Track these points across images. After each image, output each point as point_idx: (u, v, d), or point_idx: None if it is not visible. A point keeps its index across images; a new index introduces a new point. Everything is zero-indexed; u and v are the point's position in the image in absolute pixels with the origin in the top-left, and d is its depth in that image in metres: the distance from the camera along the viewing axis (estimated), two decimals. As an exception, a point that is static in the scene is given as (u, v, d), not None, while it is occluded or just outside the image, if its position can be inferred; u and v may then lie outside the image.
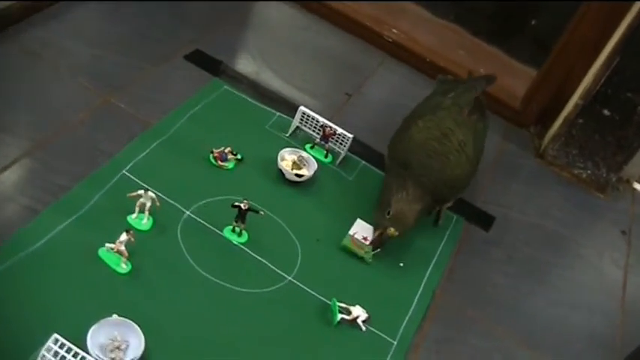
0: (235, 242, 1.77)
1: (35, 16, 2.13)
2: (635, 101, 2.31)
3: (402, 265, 1.89)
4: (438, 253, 1.98)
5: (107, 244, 1.60)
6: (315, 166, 1.99)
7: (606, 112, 2.35)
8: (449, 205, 2.06)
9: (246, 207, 1.74)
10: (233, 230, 1.78)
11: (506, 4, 2.82)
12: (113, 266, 1.60)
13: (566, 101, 2.47)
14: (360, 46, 2.66)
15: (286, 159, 1.99)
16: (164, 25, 2.34)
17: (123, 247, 1.59)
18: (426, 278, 1.89)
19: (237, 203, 1.75)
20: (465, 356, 1.77)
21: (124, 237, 1.59)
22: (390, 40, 2.67)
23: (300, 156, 2.00)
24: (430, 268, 1.92)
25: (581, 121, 2.40)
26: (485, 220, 2.16)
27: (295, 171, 1.96)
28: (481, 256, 2.04)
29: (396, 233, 1.79)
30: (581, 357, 1.89)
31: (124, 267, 1.60)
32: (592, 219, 2.41)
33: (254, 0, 2.65)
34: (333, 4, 2.69)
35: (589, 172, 2.48)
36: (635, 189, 2.59)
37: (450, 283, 1.91)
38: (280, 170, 1.96)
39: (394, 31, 2.69)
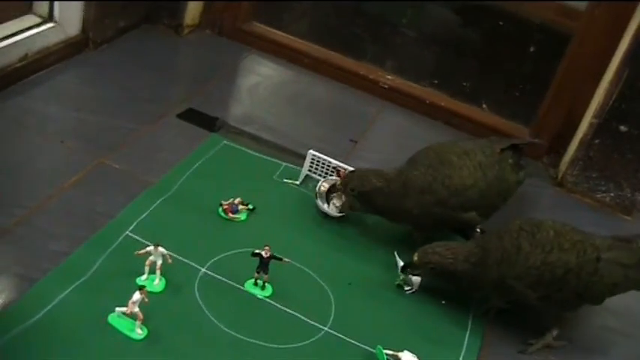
0: (260, 296, 1.59)
1: (14, 86, 2.00)
2: (652, 113, 2.20)
3: (444, 302, 1.71)
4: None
5: (118, 308, 1.42)
6: None
7: (623, 127, 2.23)
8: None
9: (268, 254, 1.57)
10: (255, 283, 1.60)
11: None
12: (127, 332, 1.42)
13: (578, 123, 2.36)
14: (356, 95, 2.55)
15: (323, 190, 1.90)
16: (152, 86, 2.22)
17: (137, 309, 1.41)
18: (471, 314, 1.71)
19: (257, 251, 1.57)
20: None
21: (137, 296, 1.41)
22: (386, 86, 2.56)
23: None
24: (473, 305, 1.74)
25: (597, 141, 2.28)
26: (518, 252, 2.00)
27: (336, 213, 1.86)
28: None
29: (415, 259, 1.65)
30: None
31: (139, 332, 1.42)
32: (625, 243, 2.26)
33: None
34: (318, 56, 2.59)
35: (612, 194, 2.34)
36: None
37: (497, 320, 1.73)
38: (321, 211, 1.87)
39: (389, 77, 2.58)
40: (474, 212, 1.81)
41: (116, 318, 1.43)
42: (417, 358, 1.51)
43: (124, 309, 1.41)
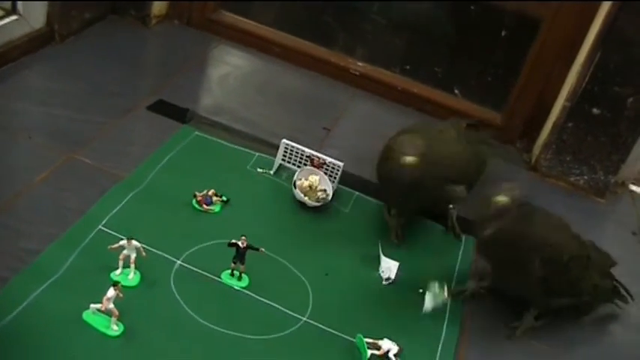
0: (237, 287, 1.56)
1: (-24, 82, 1.95)
2: (624, 95, 2.20)
3: (421, 291, 1.70)
4: (456, 273, 1.80)
5: (92, 305, 1.39)
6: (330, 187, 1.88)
7: (595, 110, 2.24)
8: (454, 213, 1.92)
9: (245, 244, 1.55)
10: (232, 274, 1.58)
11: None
12: (102, 329, 1.39)
13: (551, 107, 2.37)
14: (327, 82, 2.53)
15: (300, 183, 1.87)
16: (120, 79, 2.18)
17: (112, 305, 1.38)
18: (449, 304, 1.70)
19: (234, 241, 1.55)
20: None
21: (111, 292, 1.38)
22: (357, 73, 2.55)
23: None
24: (452, 289, 1.73)
25: (570, 124, 2.28)
26: (494, 237, 1.99)
27: (314, 202, 1.84)
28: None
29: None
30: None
31: (115, 328, 1.39)
32: (599, 225, 2.28)
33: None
34: (288, 44, 2.57)
35: (585, 177, 2.35)
36: (632, 190, 2.47)
37: (475, 303, 1.72)
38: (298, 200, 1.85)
39: (360, 64, 2.56)
40: (463, 186, 1.82)
41: (91, 315, 1.39)
42: (397, 345, 1.50)
43: (98, 306, 1.38)
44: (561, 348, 1.70)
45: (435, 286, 1.69)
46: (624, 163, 2.31)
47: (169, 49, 2.48)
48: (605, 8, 2.17)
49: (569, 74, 2.29)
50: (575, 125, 2.28)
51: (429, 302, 1.66)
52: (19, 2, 2.09)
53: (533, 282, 1.62)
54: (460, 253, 1.89)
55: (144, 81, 2.23)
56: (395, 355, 1.49)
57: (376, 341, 1.50)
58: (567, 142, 2.31)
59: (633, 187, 2.48)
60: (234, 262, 1.56)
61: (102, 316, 1.39)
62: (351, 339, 1.52)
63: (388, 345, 1.50)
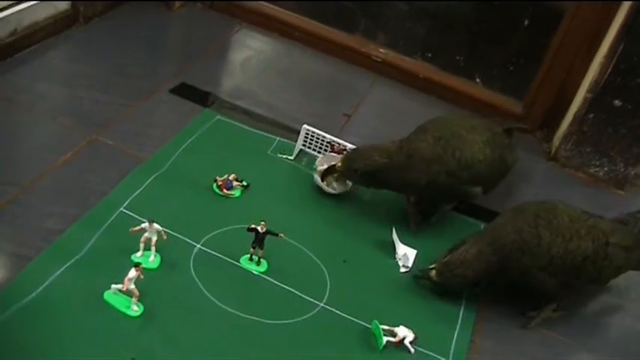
0: (256, 272, 1.58)
1: (3, 62, 1.97)
2: (647, 86, 2.19)
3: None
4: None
5: (113, 286, 1.41)
6: None
7: (617, 102, 2.23)
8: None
9: (264, 230, 1.57)
10: (251, 259, 1.60)
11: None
12: (123, 309, 1.41)
13: (572, 98, 2.36)
14: (348, 68, 2.53)
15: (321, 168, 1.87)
16: (143, 61, 2.19)
17: (133, 286, 1.40)
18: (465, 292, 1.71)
19: (253, 226, 1.57)
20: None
21: (132, 273, 1.40)
22: (379, 60, 2.55)
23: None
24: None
25: (591, 115, 2.27)
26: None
27: (331, 190, 1.86)
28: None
29: (435, 279, 1.63)
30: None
31: (135, 309, 1.41)
32: (618, 217, 2.26)
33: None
34: (309, 29, 2.57)
35: (605, 169, 2.34)
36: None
37: (490, 291, 1.73)
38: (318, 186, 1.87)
39: (382, 50, 2.56)
40: (480, 187, 1.83)
41: (112, 295, 1.42)
42: (413, 332, 1.52)
43: (119, 286, 1.40)
44: (576, 338, 1.70)
45: None
46: (645, 155, 2.31)
47: (192, 32, 2.49)
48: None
49: (592, 65, 2.28)
50: (596, 116, 2.27)
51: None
52: (44, -16, 2.11)
53: (550, 288, 1.63)
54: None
55: (167, 64, 2.25)
56: (410, 343, 1.51)
57: (392, 328, 1.52)
58: (588, 133, 2.30)
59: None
60: (253, 247, 1.58)
61: (123, 297, 1.41)
62: (368, 325, 1.53)
63: (404, 332, 1.51)
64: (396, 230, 1.77)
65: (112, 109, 1.93)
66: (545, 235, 1.59)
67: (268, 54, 2.50)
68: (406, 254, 1.73)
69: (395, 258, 1.74)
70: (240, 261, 1.59)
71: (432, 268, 1.63)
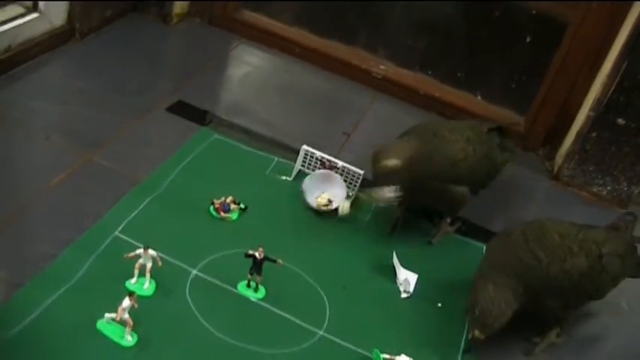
0: (253, 298, 1.54)
1: (-4, 80, 1.94)
2: (651, 105, 2.16)
3: (440, 305, 1.68)
4: (475, 286, 1.77)
5: (107, 315, 1.38)
6: (342, 193, 1.86)
7: (621, 120, 2.20)
8: (449, 226, 1.90)
9: (262, 256, 1.53)
10: (248, 285, 1.56)
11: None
12: (116, 339, 1.37)
13: (574, 116, 2.33)
14: (348, 85, 2.50)
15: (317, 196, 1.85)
16: (140, 77, 2.16)
17: (127, 315, 1.36)
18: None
19: (251, 252, 1.53)
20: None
21: (126, 302, 1.36)
22: (379, 76, 2.51)
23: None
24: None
25: (594, 134, 2.24)
26: (514, 249, 1.96)
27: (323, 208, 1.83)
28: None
29: (482, 337, 1.53)
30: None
31: (129, 339, 1.37)
32: (622, 237, 2.23)
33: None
34: (309, 45, 2.54)
35: (609, 187, 2.31)
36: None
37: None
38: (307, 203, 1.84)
39: (382, 67, 2.53)
40: (466, 187, 1.80)
41: (105, 324, 1.38)
42: None
43: (113, 315, 1.37)
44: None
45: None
46: (648, 174, 2.28)
47: (190, 48, 2.46)
48: (632, 16, 2.13)
49: (594, 83, 2.25)
50: (599, 135, 2.24)
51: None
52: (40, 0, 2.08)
53: (557, 311, 1.59)
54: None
55: (164, 80, 2.22)
56: None
57: (393, 357, 1.48)
58: (591, 151, 2.27)
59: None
60: (251, 274, 1.54)
61: (116, 326, 1.38)
62: (368, 354, 1.49)
63: None
64: (396, 254, 1.74)
65: (108, 128, 1.90)
66: (542, 256, 1.54)
67: (267, 70, 2.47)
68: (407, 279, 1.69)
69: (396, 283, 1.70)
70: (238, 287, 1.55)
71: (472, 332, 1.53)
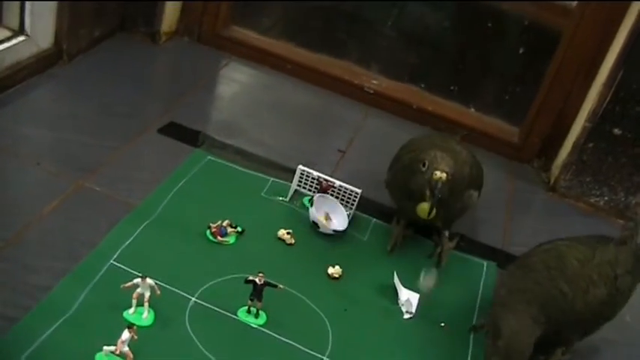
0: (254, 325, 1.51)
1: (-17, 106, 1.90)
2: (646, 114, 2.15)
3: (443, 325, 1.65)
4: (478, 304, 1.74)
5: (105, 348, 1.33)
6: (344, 222, 1.82)
7: (617, 131, 2.18)
8: (451, 245, 1.87)
9: (262, 281, 1.50)
10: (249, 311, 1.52)
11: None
12: (116, 374, 1.33)
13: (570, 126, 2.31)
14: (341, 101, 2.48)
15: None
16: (130, 99, 2.12)
17: (126, 348, 1.33)
18: (472, 335, 1.64)
19: (251, 278, 1.50)
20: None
21: (125, 335, 1.32)
22: (372, 91, 2.49)
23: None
24: (474, 322, 1.68)
25: (591, 144, 2.22)
26: (515, 264, 1.94)
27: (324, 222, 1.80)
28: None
29: None
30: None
31: (130, 372, 1.33)
32: (621, 248, 2.21)
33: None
34: (300, 61, 2.51)
35: (606, 198, 2.29)
36: (653, 211, 2.42)
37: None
38: (314, 222, 1.80)
39: (374, 82, 2.51)
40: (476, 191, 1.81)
41: (104, 357, 1.34)
42: None
43: (112, 348, 1.33)
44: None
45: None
46: (646, 184, 2.26)
47: (179, 67, 2.43)
48: (628, 23, 2.12)
49: (590, 93, 2.24)
50: (596, 145, 2.22)
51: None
52: (26, 21, 2.04)
53: (574, 341, 1.57)
54: (482, 281, 1.83)
55: (154, 101, 2.18)
56: None
57: None
58: (587, 162, 2.26)
59: (654, 208, 2.42)
60: (251, 299, 1.51)
61: (115, 359, 1.34)
62: None
63: None
64: (397, 274, 1.71)
65: (99, 153, 1.86)
66: (566, 289, 1.51)
67: (258, 88, 2.44)
68: (409, 299, 1.66)
69: (397, 303, 1.67)
70: (238, 314, 1.52)
71: None
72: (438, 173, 1.62)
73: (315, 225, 1.79)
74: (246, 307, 1.52)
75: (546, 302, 1.50)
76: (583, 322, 1.56)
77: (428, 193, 1.65)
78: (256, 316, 1.52)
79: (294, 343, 1.49)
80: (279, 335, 1.50)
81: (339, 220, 1.82)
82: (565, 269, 1.53)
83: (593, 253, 1.59)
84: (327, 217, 1.82)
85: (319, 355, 1.48)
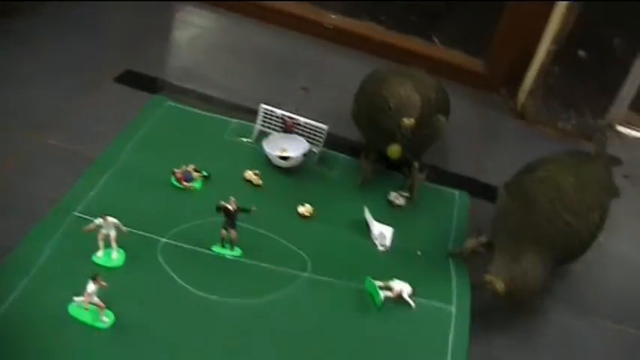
0: (230, 256, 1.48)
1: None
2: (610, 35, 2.12)
3: (420, 253, 1.64)
4: (453, 232, 1.74)
5: (76, 298, 1.29)
6: (305, 146, 1.77)
7: (582, 53, 2.16)
8: (422, 176, 1.84)
9: (236, 207, 1.47)
10: (223, 245, 1.49)
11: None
12: (91, 322, 1.29)
13: (535, 52, 2.28)
14: (301, 39, 2.42)
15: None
16: (82, 51, 2.05)
17: (96, 299, 1.29)
18: (451, 260, 1.64)
19: (223, 203, 1.47)
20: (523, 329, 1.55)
21: (91, 287, 1.28)
22: (331, 27, 2.44)
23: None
24: (450, 249, 1.67)
25: (557, 68, 2.20)
26: (488, 192, 1.93)
27: (279, 153, 1.74)
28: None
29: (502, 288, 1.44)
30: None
31: (104, 320, 1.29)
32: (591, 170, 2.21)
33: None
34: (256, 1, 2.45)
35: (573, 122, 2.29)
36: (620, 132, 2.42)
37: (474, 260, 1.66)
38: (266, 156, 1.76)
39: (333, 17, 2.45)
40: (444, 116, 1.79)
41: (77, 308, 1.30)
42: (409, 285, 1.46)
43: (81, 299, 1.29)
44: (570, 307, 1.65)
45: None
46: (612, 105, 2.25)
47: (132, 15, 2.34)
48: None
49: (553, 16, 2.20)
50: (562, 69, 2.21)
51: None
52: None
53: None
54: (455, 211, 1.82)
55: (108, 51, 2.10)
56: (409, 296, 1.45)
57: (387, 283, 1.45)
58: (554, 87, 2.24)
59: (622, 129, 2.42)
60: (225, 229, 1.47)
61: (89, 309, 1.30)
62: (360, 286, 1.46)
63: (400, 285, 1.45)
64: (367, 209, 1.68)
65: (55, 107, 1.79)
66: (570, 219, 1.48)
67: (216, 31, 2.38)
68: (382, 233, 1.64)
69: (371, 238, 1.65)
70: (212, 248, 1.49)
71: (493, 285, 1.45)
72: (405, 120, 1.59)
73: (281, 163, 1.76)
74: (220, 243, 1.49)
75: (554, 240, 1.47)
76: (583, 249, 1.55)
77: (398, 137, 1.62)
78: (231, 248, 1.49)
79: (272, 266, 1.47)
80: (257, 262, 1.48)
81: (294, 151, 1.78)
82: (564, 199, 1.50)
83: (581, 175, 1.57)
84: (284, 151, 1.78)
85: (299, 273, 1.47)
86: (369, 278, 1.44)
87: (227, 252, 1.48)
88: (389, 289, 1.44)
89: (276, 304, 1.39)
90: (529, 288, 1.44)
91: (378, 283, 1.44)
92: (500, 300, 1.45)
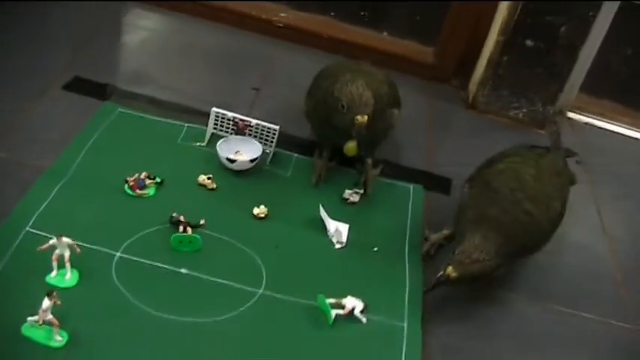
0: (184, 271, 1.47)
1: None
2: (557, 23, 2.15)
3: (376, 249, 1.65)
4: (409, 227, 1.75)
5: (29, 318, 1.28)
6: (258, 147, 1.78)
7: (530, 42, 2.19)
8: (376, 172, 1.85)
9: (185, 223, 1.51)
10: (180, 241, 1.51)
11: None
12: (44, 342, 1.28)
13: (483, 43, 2.31)
14: (250, 38, 2.41)
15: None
16: (28, 57, 2.01)
17: (50, 316, 1.27)
18: (407, 256, 1.66)
19: (174, 215, 1.52)
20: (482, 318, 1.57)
21: (46, 303, 1.27)
22: (281, 24, 2.43)
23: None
24: (407, 245, 1.69)
25: (505, 58, 2.23)
26: (442, 184, 1.95)
27: (228, 155, 1.75)
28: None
29: (454, 274, 1.46)
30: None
31: (58, 339, 1.29)
32: (543, 157, 2.24)
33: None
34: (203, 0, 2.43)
35: (524, 110, 2.31)
36: (570, 118, 2.46)
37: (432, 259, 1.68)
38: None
39: (282, 14, 2.44)
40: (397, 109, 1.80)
41: (30, 328, 1.29)
42: (362, 301, 1.46)
43: (35, 318, 1.27)
44: (527, 294, 1.67)
45: None
46: (562, 92, 2.29)
47: (78, 19, 2.30)
48: None
49: (500, 7, 2.22)
50: (511, 59, 2.23)
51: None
52: None
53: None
54: (410, 204, 1.83)
55: (55, 57, 2.07)
56: (361, 312, 1.45)
57: (339, 300, 1.45)
58: (504, 76, 2.26)
59: (572, 115, 2.46)
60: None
61: (42, 328, 1.29)
62: (313, 303, 1.46)
63: (352, 302, 1.45)
64: (323, 206, 1.69)
65: (1, 117, 1.76)
66: (531, 208, 1.50)
67: (164, 33, 2.35)
68: (338, 229, 1.65)
69: (327, 235, 1.65)
70: (171, 240, 1.50)
71: (444, 271, 1.47)
72: (359, 118, 1.59)
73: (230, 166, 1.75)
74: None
75: (515, 230, 1.49)
76: (545, 239, 1.57)
77: (353, 134, 1.62)
78: (189, 241, 1.51)
79: (227, 282, 1.47)
80: (212, 277, 1.47)
81: (248, 153, 1.78)
82: (525, 189, 1.52)
83: (541, 167, 1.59)
84: (238, 154, 1.78)
85: (255, 290, 1.47)
86: (322, 296, 1.44)
87: (186, 248, 1.50)
88: (341, 306, 1.44)
89: (230, 323, 1.39)
90: (478, 273, 1.46)
91: (330, 300, 1.44)
92: (451, 286, 1.48)
